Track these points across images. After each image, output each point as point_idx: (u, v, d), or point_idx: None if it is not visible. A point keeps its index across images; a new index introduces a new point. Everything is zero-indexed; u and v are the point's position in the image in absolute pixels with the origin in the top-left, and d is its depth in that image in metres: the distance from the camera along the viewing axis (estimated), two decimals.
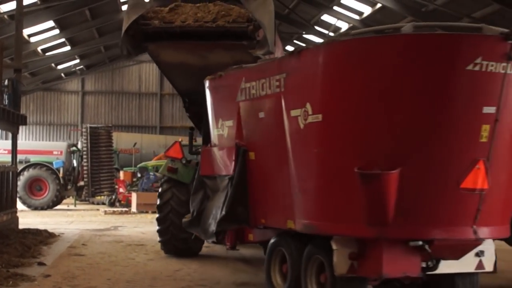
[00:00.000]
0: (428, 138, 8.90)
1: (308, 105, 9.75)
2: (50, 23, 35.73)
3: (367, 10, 33.94)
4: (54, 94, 52.74)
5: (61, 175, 34.65)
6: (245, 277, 13.60)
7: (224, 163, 12.41)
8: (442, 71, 8.79)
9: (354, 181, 9.00)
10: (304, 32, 41.20)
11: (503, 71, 8.85)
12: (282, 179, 10.51)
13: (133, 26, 14.84)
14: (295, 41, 44.46)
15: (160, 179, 34.68)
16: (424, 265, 9.65)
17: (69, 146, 37.68)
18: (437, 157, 8.90)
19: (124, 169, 38.27)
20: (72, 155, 36.84)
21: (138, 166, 38.12)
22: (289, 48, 42.08)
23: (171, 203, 16.25)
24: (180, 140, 39.62)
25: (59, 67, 48.43)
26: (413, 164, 8.87)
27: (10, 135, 25.12)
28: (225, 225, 12.07)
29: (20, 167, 29.86)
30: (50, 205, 34.08)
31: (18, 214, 21.49)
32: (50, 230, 20.76)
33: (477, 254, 9.90)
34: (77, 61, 48.33)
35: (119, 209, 32.64)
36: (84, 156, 34.52)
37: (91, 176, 34.29)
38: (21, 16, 23.35)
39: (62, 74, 51.23)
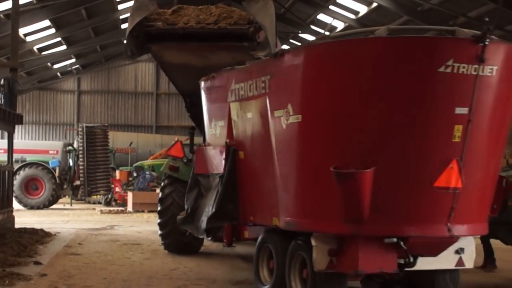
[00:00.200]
0: (402, 138, 9.15)
1: (289, 106, 10.09)
2: (46, 22, 35.72)
3: (363, 9, 33.98)
4: (50, 93, 52.72)
5: (57, 174, 34.65)
6: (242, 275, 13.62)
7: (215, 162, 12.76)
8: (415, 73, 9.04)
9: (331, 180, 9.25)
10: (300, 32, 41.25)
11: (475, 73, 9.03)
12: (268, 178, 10.85)
13: (137, 28, 15.18)
14: (291, 40, 44.50)
15: (155, 179, 34.94)
16: (402, 261, 9.86)
17: (65, 145, 37.68)
18: (411, 156, 9.15)
19: (120, 168, 38.32)
20: (68, 154, 36.84)
21: (134, 165, 38.20)
22: (285, 47, 42.08)
23: (172, 205, 16.44)
24: (176, 139, 39.83)
25: (55, 66, 48.42)
26: (388, 164, 9.13)
27: (6, 134, 25.10)
28: (215, 222, 12.43)
29: (16, 167, 29.85)
30: (46, 205, 34.08)
31: (14, 213, 21.48)
32: (46, 229, 20.76)
33: (457, 251, 10.16)
34: (73, 60, 48.31)
35: (115, 208, 32.64)
36: (80, 156, 34.51)
37: (87, 175, 34.29)
38: (17, 15, 23.31)
39: (58, 74, 51.21)
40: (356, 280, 10.84)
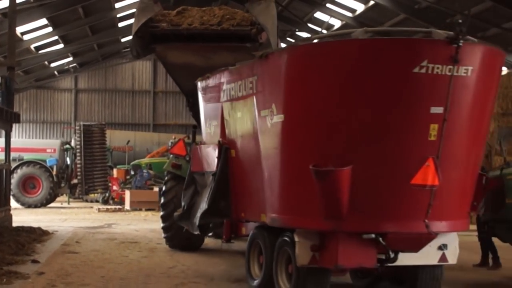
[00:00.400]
0: (379, 137, 9.45)
1: (273, 106, 10.52)
2: (43, 21, 35.67)
3: (360, 7, 33.97)
4: (47, 92, 52.67)
5: (54, 173, 34.64)
6: (240, 273, 13.60)
7: (209, 160, 13.22)
8: (390, 73, 9.32)
9: (312, 177, 9.56)
10: (297, 30, 41.23)
11: (449, 73, 9.29)
12: (257, 175, 11.26)
13: (142, 28, 15.56)
14: (288, 38, 44.48)
15: (153, 177, 34.94)
16: (383, 257, 10.23)
17: (63, 144, 37.64)
18: (388, 155, 9.46)
19: (118, 166, 38.28)
20: (65, 152, 36.81)
21: (132, 163, 38.14)
22: (282, 45, 42.04)
23: (175, 197, 16.60)
24: (173, 137, 39.82)
25: (52, 65, 48.38)
26: (365, 162, 9.45)
27: (3, 133, 25.08)
28: (207, 218, 13.01)
29: (13, 165, 29.83)
30: (44, 203, 34.07)
31: (12, 212, 21.47)
32: (43, 228, 20.75)
33: (440, 248, 10.45)
34: (70, 59, 48.24)
35: (113, 206, 32.65)
36: (78, 154, 34.51)
37: (85, 173, 34.28)
38: (14, 13, 23.29)
39: (55, 72, 51.17)
40: (342, 275, 11.22)
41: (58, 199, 36.44)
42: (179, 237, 16.48)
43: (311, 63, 9.91)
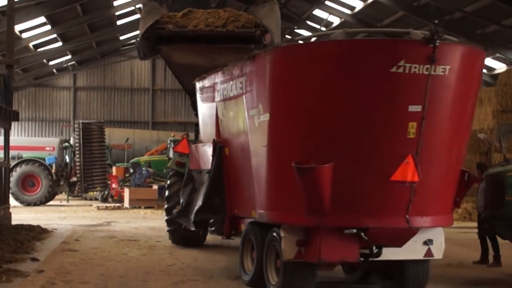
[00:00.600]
0: (359, 135, 9.74)
1: (260, 105, 10.92)
2: (42, 19, 35.62)
3: (359, 4, 33.94)
4: (46, 90, 52.59)
5: (53, 171, 34.61)
6: (239, 271, 13.60)
7: (205, 158, 13.69)
8: (369, 73, 9.61)
9: (295, 174, 9.90)
10: (296, 27, 41.19)
11: (426, 73, 9.54)
12: (247, 173, 11.66)
13: (148, 30, 16.04)
14: (287, 36, 44.44)
15: (152, 175, 34.93)
16: (367, 252, 10.54)
17: (62, 142, 37.62)
18: (368, 152, 9.76)
19: (117, 164, 38.26)
20: (64, 151, 36.79)
21: (131, 161, 38.17)
22: None
23: (178, 194, 16.71)
24: (172, 135, 39.81)
25: (51, 63, 48.33)
26: (346, 159, 9.76)
27: (2, 131, 25.07)
28: (202, 215, 13.50)
29: (12, 163, 29.81)
30: (43, 201, 34.05)
31: (11, 210, 21.47)
32: (43, 226, 20.72)
33: (425, 243, 10.76)
34: (69, 57, 48.19)
35: (112, 204, 32.66)
36: (77, 152, 34.46)
37: (84, 171, 34.24)
38: (13, 12, 23.28)
39: (54, 70, 51.10)
40: (330, 270, 11.48)
41: (57, 197, 36.44)
42: (182, 230, 16.52)
43: (293, 64, 10.24)
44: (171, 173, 17.83)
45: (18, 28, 34.23)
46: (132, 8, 40.63)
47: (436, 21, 9.63)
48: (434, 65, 9.54)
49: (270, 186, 10.80)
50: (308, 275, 10.73)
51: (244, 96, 11.68)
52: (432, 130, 9.77)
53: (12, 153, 25.54)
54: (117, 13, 40.76)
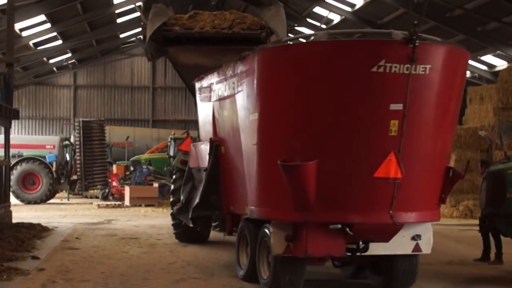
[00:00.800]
0: (343, 133, 10.06)
1: (250, 105, 11.33)
2: (42, 17, 35.57)
3: (359, 2, 33.87)
4: (46, 88, 52.57)
5: (54, 169, 34.59)
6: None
7: (203, 156, 14.08)
8: (350, 73, 9.94)
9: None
10: (296, 25, 41.18)
11: (407, 72, 9.81)
12: (241, 170, 12.02)
13: (156, 32, 16.41)
14: (289, 34, 44.42)
15: (152, 173, 34.93)
16: (354, 246, 10.84)
17: (62, 140, 37.58)
18: (351, 150, 10.07)
19: (117, 162, 38.26)
20: (65, 149, 36.76)
21: (131, 159, 38.18)
22: None
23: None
24: (172, 133, 39.81)
25: (51, 61, 48.29)
26: (330, 156, 10.09)
27: (2, 129, 25.05)
28: (199, 211, 14.05)
29: (13, 161, 29.80)
30: (44, 199, 34.03)
31: (12, 208, 21.46)
32: (43, 224, 20.74)
33: (414, 238, 11.04)
34: (69, 55, 48.17)
35: (112, 202, 32.64)
36: (77, 150, 34.44)
37: (84, 170, 34.22)
38: (13, 10, 23.26)
39: (54, 68, 51.07)
40: (320, 265, 11.89)
41: (57, 195, 36.42)
42: (186, 225, 16.67)
43: (278, 64, 10.63)
44: (175, 171, 18.22)
45: (18, 26, 34.19)
46: (132, 6, 40.59)
47: (416, 22, 9.79)
48: (414, 64, 9.79)
49: (259, 183, 11.17)
50: (297, 270, 11.06)
51: (236, 96, 12.05)
52: (413, 127, 10.03)
53: (12, 151, 25.55)
54: (117, 11, 40.71)
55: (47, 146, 36.38)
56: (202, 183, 13.85)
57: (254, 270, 11.78)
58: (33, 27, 37.14)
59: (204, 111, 14.59)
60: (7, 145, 21.25)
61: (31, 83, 51.17)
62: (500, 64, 34.81)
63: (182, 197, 15.19)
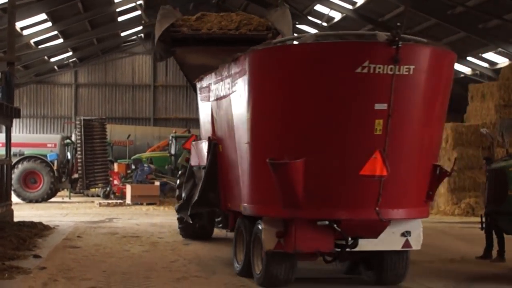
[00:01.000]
0: (329, 132, 10.35)
1: (242, 105, 11.62)
2: (43, 16, 35.57)
3: None
4: (47, 87, 52.57)
5: (55, 167, 34.57)
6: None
7: (202, 154, 14.53)
8: (336, 74, 10.24)
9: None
10: (297, 23, 41.11)
11: (391, 72, 10.09)
12: (236, 168, 12.30)
13: (164, 33, 16.81)
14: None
15: (153, 171, 34.92)
16: (344, 242, 11.12)
17: (63, 138, 37.56)
18: (338, 148, 10.36)
19: (118, 161, 38.26)
20: (66, 147, 36.75)
21: (132, 158, 38.18)
22: None
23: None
24: (174, 131, 39.80)
25: (52, 59, 48.28)
26: (318, 155, 10.36)
27: (3, 128, 25.06)
28: (198, 208, 14.42)
29: (14, 160, 29.77)
30: (45, 198, 34.02)
31: (13, 207, 21.47)
32: (45, 223, 20.74)
33: (403, 234, 11.32)
34: (70, 53, 48.16)
35: (114, 201, 32.61)
36: (78, 149, 34.40)
37: (85, 168, 34.19)
38: (14, 9, 23.25)
39: (55, 67, 51.09)
40: (313, 260, 12.13)
41: (59, 194, 36.39)
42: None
43: (267, 65, 11.00)
44: (180, 169, 18.68)
45: (19, 25, 34.18)
46: (133, 4, 40.56)
47: (398, 24, 10.06)
48: (398, 65, 10.06)
49: (252, 180, 11.52)
50: (288, 265, 11.38)
51: (231, 96, 12.38)
52: (398, 126, 10.30)
53: (13, 150, 25.46)
54: (118, 10, 40.71)
55: (48, 145, 36.36)
56: (201, 180, 14.22)
57: (250, 266, 12.10)
58: (34, 25, 37.13)
59: (204, 110, 14.96)
60: (8, 143, 21.25)
61: (32, 81, 51.18)
62: (502, 61, 34.76)
63: (183, 194, 15.56)
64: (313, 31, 40.35)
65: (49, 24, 37.40)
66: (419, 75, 10.35)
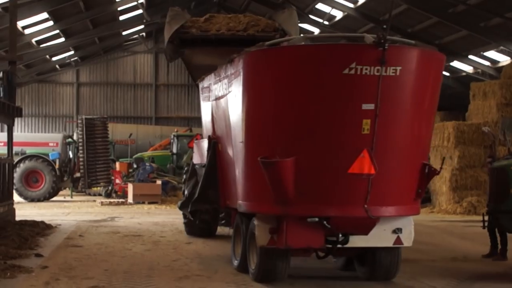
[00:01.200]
0: (318, 131, 10.65)
1: (238, 104, 11.93)
2: (44, 15, 35.60)
3: None
4: (49, 86, 52.58)
5: (57, 166, 34.58)
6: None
7: (203, 153, 14.94)
8: (324, 75, 10.53)
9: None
10: (298, 21, 41.08)
11: (378, 73, 10.36)
12: (233, 167, 12.60)
13: (173, 35, 17.09)
14: None
15: (155, 170, 34.95)
16: (335, 239, 11.42)
17: (65, 137, 37.62)
18: (327, 147, 10.64)
19: (120, 160, 38.29)
20: (68, 146, 36.79)
21: (134, 157, 38.20)
22: None
23: None
24: (175, 130, 39.81)
25: (54, 58, 48.29)
26: (307, 153, 10.66)
27: (5, 127, 25.06)
28: (197, 205, 14.89)
29: (16, 159, 29.80)
30: (47, 197, 34.04)
31: (15, 206, 21.47)
32: (47, 222, 20.75)
33: (395, 231, 11.55)
34: (72, 52, 48.15)
35: (116, 200, 32.65)
36: (80, 148, 34.41)
37: (87, 167, 34.19)
38: (15, 8, 23.26)
39: (57, 66, 51.10)
40: (307, 256, 12.56)
41: (61, 193, 36.40)
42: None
43: (260, 67, 11.37)
44: (186, 167, 19.15)
45: (20, 24, 34.20)
46: (135, 3, 40.53)
47: (384, 26, 10.26)
48: (384, 66, 10.32)
49: (246, 178, 11.87)
50: (281, 260, 11.65)
51: (228, 96, 12.70)
52: (385, 126, 10.54)
53: (15, 149, 25.51)
54: (119, 9, 40.71)
55: (50, 144, 36.41)
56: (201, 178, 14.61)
57: (246, 261, 12.38)
58: (36, 24, 37.16)
59: (206, 110, 15.33)
60: (10, 142, 21.25)
61: (34, 80, 51.19)
62: (503, 59, 34.73)
63: (185, 192, 16.05)
64: (314, 29, 40.37)
65: (50, 23, 37.42)
66: (406, 76, 10.60)
